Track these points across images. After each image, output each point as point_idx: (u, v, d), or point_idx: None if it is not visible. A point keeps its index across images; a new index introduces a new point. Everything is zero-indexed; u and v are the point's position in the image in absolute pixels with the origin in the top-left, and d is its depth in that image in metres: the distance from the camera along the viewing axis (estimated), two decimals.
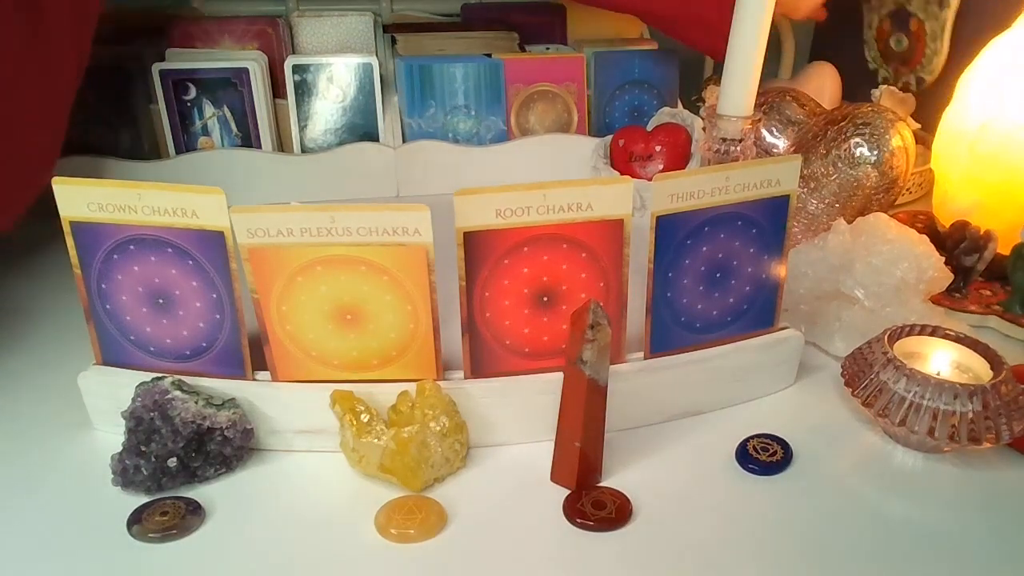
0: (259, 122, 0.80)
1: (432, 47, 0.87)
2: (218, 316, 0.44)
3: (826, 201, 0.66)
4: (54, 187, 0.42)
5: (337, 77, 0.80)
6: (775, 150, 0.74)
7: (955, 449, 0.44)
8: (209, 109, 0.78)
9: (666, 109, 0.84)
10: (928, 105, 0.83)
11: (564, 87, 0.85)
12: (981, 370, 0.47)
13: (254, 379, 0.45)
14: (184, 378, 0.44)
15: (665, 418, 0.48)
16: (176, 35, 0.81)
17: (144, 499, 0.41)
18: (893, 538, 0.40)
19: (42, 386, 0.51)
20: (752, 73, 0.53)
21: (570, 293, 0.44)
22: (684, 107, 0.87)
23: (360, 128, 0.82)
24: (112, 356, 0.46)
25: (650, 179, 0.45)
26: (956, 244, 0.62)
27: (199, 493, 0.42)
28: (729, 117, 0.55)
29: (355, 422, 0.41)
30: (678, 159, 0.77)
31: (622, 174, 0.77)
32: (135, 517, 0.39)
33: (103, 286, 0.44)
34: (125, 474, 0.41)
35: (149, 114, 0.79)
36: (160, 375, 0.43)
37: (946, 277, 0.55)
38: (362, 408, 0.42)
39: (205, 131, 0.79)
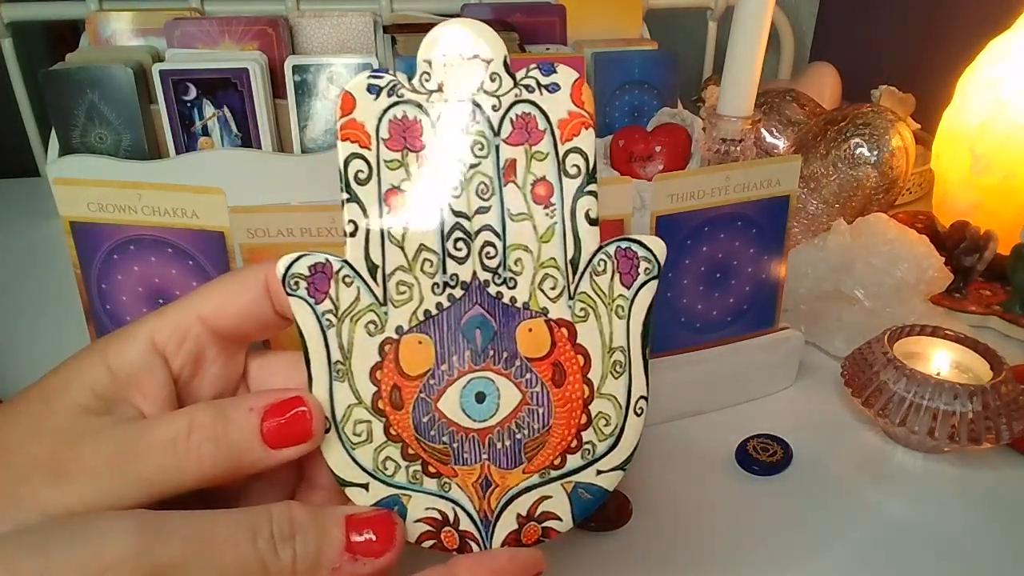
0: (259, 122, 0.79)
1: None
2: None
3: (826, 201, 0.66)
4: (54, 187, 0.41)
5: (337, 77, 0.80)
6: (775, 150, 0.74)
7: (955, 449, 0.44)
8: (209, 109, 0.78)
9: (666, 109, 0.84)
10: (928, 105, 0.83)
11: None
12: (981, 370, 0.47)
13: None
14: None
15: (665, 418, 0.48)
16: (176, 35, 0.81)
17: None
18: (893, 538, 0.40)
19: None
20: (752, 73, 0.53)
21: None
22: (684, 107, 0.87)
23: None
24: None
25: (650, 179, 0.45)
26: (956, 244, 0.62)
27: None
28: (729, 117, 0.55)
29: None
30: (678, 159, 0.77)
31: (622, 174, 0.77)
32: None
33: (103, 286, 0.44)
34: None
35: (149, 114, 0.79)
36: None
37: (946, 277, 0.55)
38: None
39: (205, 131, 0.79)
